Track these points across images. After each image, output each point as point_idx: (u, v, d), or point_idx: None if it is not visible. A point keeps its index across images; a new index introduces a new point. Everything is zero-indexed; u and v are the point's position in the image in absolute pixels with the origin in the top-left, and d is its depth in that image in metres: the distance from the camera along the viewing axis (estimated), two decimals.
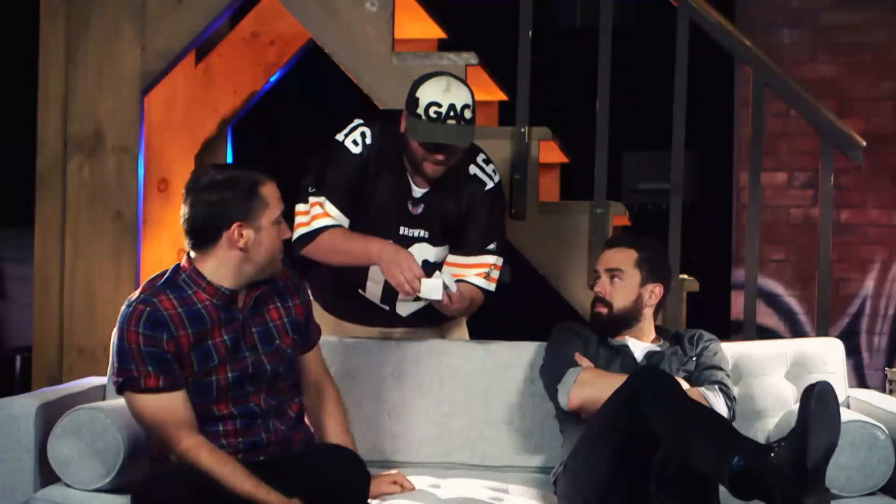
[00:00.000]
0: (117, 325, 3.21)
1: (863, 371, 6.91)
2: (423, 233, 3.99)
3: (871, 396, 3.93)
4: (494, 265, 3.99)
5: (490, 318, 4.41)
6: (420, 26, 5.20)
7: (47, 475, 3.52)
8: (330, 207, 3.88)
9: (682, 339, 3.89)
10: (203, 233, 3.21)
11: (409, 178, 3.95)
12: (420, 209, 3.97)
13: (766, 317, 6.91)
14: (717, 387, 3.70)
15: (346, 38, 4.79)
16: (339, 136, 3.94)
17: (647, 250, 3.88)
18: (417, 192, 3.96)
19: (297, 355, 3.42)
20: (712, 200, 7.22)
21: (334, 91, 5.88)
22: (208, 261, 3.24)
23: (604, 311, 3.85)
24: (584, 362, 3.75)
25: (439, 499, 3.54)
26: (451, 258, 4.00)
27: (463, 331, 4.29)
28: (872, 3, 6.90)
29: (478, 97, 5.06)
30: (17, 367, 6.21)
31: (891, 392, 5.20)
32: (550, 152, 4.95)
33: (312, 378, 3.48)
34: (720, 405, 3.64)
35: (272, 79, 5.79)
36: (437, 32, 5.27)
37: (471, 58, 4.77)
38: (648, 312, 3.88)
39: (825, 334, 4.48)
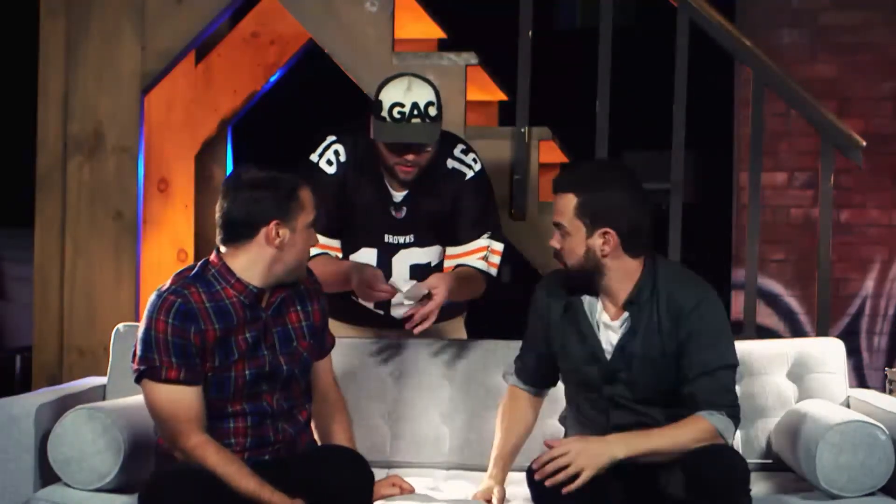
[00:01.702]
0: (146, 313, 3.23)
1: (863, 371, 6.91)
2: (408, 238, 4.00)
3: (871, 396, 3.93)
4: (491, 249, 3.99)
5: (490, 318, 4.41)
6: (420, 26, 5.21)
7: (47, 475, 3.52)
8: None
9: (659, 300, 3.35)
10: (240, 228, 3.24)
11: (388, 184, 3.95)
12: (403, 212, 3.97)
13: (766, 317, 6.91)
14: (724, 413, 3.28)
15: (346, 38, 4.79)
16: (314, 157, 3.95)
17: (588, 191, 3.30)
18: (398, 196, 3.96)
19: (313, 360, 3.44)
20: (712, 200, 7.22)
21: (334, 91, 5.88)
22: (240, 257, 3.27)
23: (562, 265, 3.40)
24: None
25: (439, 501, 3.54)
26: (448, 251, 4.01)
27: (461, 332, 4.29)
28: (872, 3, 6.90)
29: (478, 97, 5.10)
30: (17, 367, 6.21)
31: (891, 392, 5.20)
32: (550, 152, 4.95)
33: (321, 386, 3.50)
34: (728, 435, 3.29)
35: (272, 79, 5.80)
36: (437, 32, 5.27)
37: (471, 58, 4.78)
38: (613, 263, 3.32)
39: (825, 334, 4.48)
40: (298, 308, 3.39)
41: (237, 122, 5.92)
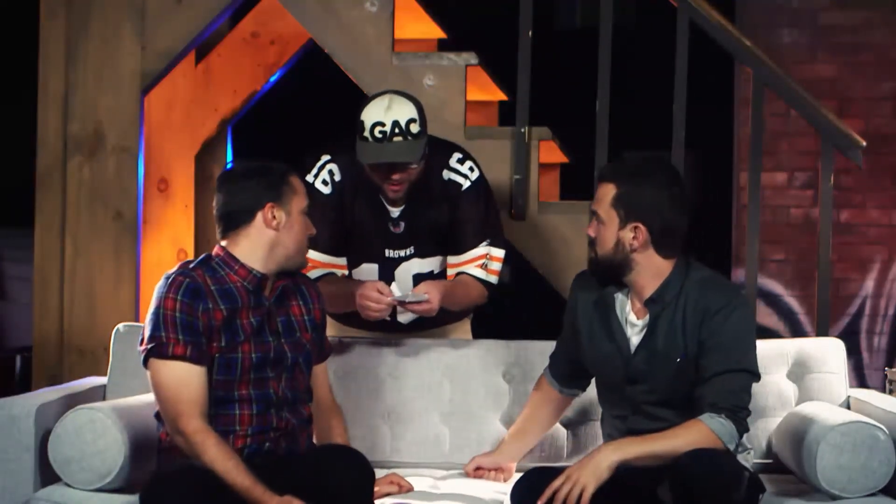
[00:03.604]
0: (155, 295, 3.29)
1: (863, 371, 6.91)
2: (408, 251, 4.00)
3: (871, 396, 3.93)
4: (490, 256, 3.98)
5: (490, 318, 4.41)
6: (420, 26, 5.21)
7: (47, 475, 3.52)
8: (316, 256, 3.91)
9: (686, 301, 3.36)
10: (237, 216, 3.34)
11: (384, 201, 3.95)
12: (401, 227, 3.97)
13: (766, 317, 6.90)
14: (722, 416, 3.27)
15: (346, 38, 4.79)
16: (309, 178, 3.94)
17: (627, 183, 3.33)
18: (395, 211, 3.96)
19: (314, 355, 3.47)
20: (712, 200, 7.21)
21: (334, 91, 5.87)
22: (241, 243, 3.35)
23: (593, 254, 3.42)
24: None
25: (439, 500, 3.54)
26: (449, 260, 4.02)
27: (467, 335, 4.27)
28: (872, 3, 6.90)
29: (478, 97, 5.10)
30: (17, 367, 6.21)
31: (891, 392, 5.20)
32: (550, 152, 4.95)
33: (317, 393, 3.53)
34: (728, 439, 3.28)
35: (272, 79, 5.79)
36: (437, 32, 5.27)
37: (471, 58, 4.78)
38: (641, 259, 3.35)
39: (825, 334, 4.48)
40: (300, 302, 3.45)
41: (237, 122, 5.92)
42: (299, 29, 5.23)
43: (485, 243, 3.97)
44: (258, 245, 3.34)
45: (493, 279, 3.99)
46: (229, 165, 3.43)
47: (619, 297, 3.44)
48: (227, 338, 3.30)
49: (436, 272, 4.04)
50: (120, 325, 4.02)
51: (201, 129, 5.74)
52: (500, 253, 4.00)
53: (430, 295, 3.80)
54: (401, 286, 3.97)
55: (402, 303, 3.82)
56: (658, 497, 3.29)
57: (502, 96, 5.23)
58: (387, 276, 4.00)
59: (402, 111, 3.79)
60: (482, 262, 3.97)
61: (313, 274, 3.89)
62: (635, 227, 3.33)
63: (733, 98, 7.07)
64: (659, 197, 3.33)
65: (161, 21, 4.84)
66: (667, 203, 3.34)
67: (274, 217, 3.33)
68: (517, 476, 3.52)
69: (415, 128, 3.79)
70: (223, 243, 3.37)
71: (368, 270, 4.02)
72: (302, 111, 7.27)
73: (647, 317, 3.39)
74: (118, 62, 4.86)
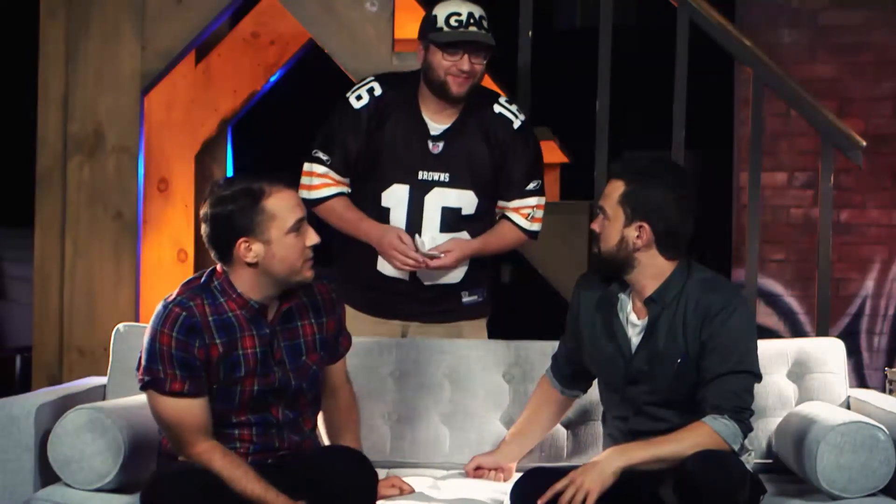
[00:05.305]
0: (151, 323, 3.21)
1: (863, 371, 6.91)
2: (443, 176, 3.98)
3: (871, 396, 3.93)
4: (537, 206, 4.05)
5: (490, 318, 4.41)
6: None
7: (47, 475, 3.52)
8: (333, 174, 3.99)
9: (687, 302, 3.36)
10: (217, 249, 3.24)
11: (426, 117, 3.97)
12: (440, 147, 3.97)
13: (766, 317, 6.90)
14: (726, 417, 3.27)
15: (346, 38, 4.79)
16: (348, 94, 4.02)
17: (636, 182, 3.32)
18: (437, 128, 3.97)
19: (322, 370, 3.42)
20: (712, 200, 7.22)
21: (334, 91, 5.88)
22: (232, 274, 3.26)
23: (596, 249, 3.43)
24: None
25: (439, 501, 3.54)
26: (500, 203, 4.08)
27: (482, 333, 4.26)
28: (872, 3, 6.90)
29: None
30: (17, 367, 6.21)
31: (891, 392, 5.20)
32: (550, 152, 4.95)
33: (332, 382, 3.50)
34: (733, 440, 3.27)
35: (272, 79, 5.80)
36: None
37: None
38: (644, 259, 3.35)
39: (825, 334, 4.48)
40: (313, 320, 3.36)
41: (237, 122, 5.92)
42: (299, 29, 5.24)
43: (533, 189, 4.03)
44: (245, 278, 3.23)
45: (537, 227, 4.09)
46: (211, 186, 3.30)
47: (622, 297, 3.44)
48: (226, 371, 3.23)
49: (464, 212, 4.01)
50: (120, 325, 4.02)
51: (201, 129, 5.75)
52: (543, 201, 4.09)
53: (448, 255, 3.89)
54: (428, 220, 3.98)
55: (418, 251, 3.89)
56: (660, 497, 3.29)
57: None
58: (417, 201, 3.98)
59: (476, 7, 3.90)
60: (529, 212, 4.04)
61: (325, 192, 3.98)
62: (640, 226, 3.33)
63: (733, 98, 7.07)
64: (666, 198, 3.32)
65: (161, 21, 4.84)
66: (674, 205, 3.33)
67: (249, 250, 3.19)
68: (517, 476, 3.52)
69: (486, 24, 3.89)
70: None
71: (400, 192, 3.99)
72: (302, 111, 7.27)
73: (648, 317, 3.39)
74: (118, 62, 4.86)
